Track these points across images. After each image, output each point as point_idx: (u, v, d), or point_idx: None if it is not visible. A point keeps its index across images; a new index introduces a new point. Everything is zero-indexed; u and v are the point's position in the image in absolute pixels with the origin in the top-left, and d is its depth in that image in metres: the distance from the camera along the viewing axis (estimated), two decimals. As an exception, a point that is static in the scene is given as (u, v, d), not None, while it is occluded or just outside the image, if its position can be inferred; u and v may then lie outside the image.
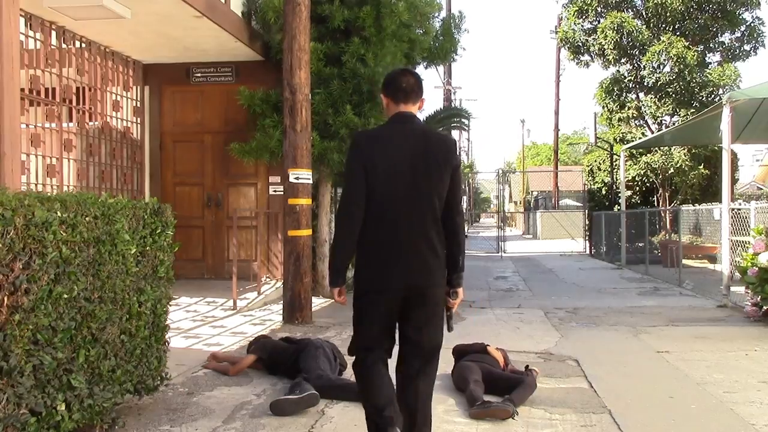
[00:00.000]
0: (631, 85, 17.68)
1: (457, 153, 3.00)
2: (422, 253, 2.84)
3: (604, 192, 19.45)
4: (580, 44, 17.89)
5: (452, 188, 2.90)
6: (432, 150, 2.88)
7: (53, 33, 7.32)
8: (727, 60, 17.18)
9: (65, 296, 2.91)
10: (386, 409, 2.81)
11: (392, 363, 2.99)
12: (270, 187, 9.21)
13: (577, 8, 17.70)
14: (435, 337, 2.93)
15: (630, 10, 17.45)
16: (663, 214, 16.27)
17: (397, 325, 2.94)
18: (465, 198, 66.69)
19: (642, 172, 17.31)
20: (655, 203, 17.48)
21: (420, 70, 15.33)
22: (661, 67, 16.70)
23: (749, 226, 8.13)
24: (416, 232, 2.84)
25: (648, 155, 17.25)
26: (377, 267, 2.86)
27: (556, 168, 35.24)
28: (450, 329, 3.06)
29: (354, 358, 2.98)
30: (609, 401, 4.15)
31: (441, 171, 2.87)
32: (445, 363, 4.78)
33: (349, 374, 4.70)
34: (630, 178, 17.19)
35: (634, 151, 17.22)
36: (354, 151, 2.91)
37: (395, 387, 2.93)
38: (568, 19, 18.30)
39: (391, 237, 2.83)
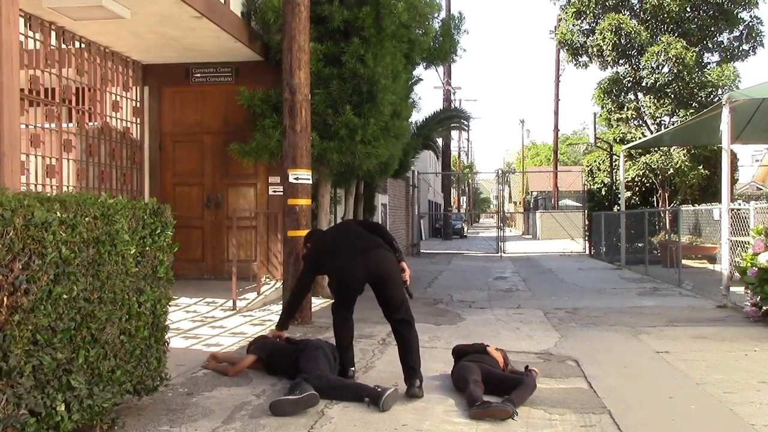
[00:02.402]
0: (629, 85, 17.69)
1: (352, 220, 4.64)
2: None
3: (603, 192, 19.46)
4: (579, 45, 17.89)
5: (363, 224, 4.90)
6: (342, 225, 5.10)
7: (53, 33, 7.32)
8: (726, 60, 17.18)
9: (65, 297, 2.91)
10: (348, 350, 4.63)
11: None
12: (270, 187, 9.21)
13: (574, 10, 17.70)
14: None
15: (627, 11, 17.45)
16: (662, 215, 16.28)
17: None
18: (465, 198, 67.06)
19: (641, 173, 17.32)
20: (655, 203, 17.49)
21: (420, 70, 15.30)
22: (660, 67, 16.71)
23: (749, 227, 8.13)
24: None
25: (647, 155, 17.26)
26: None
27: (556, 168, 35.29)
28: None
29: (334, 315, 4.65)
30: (609, 401, 4.15)
31: (351, 225, 5.08)
32: (445, 363, 4.79)
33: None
34: (629, 178, 17.19)
35: (634, 152, 17.23)
36: (307, 255, 4.89)
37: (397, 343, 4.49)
38: (566, 20, 18.30)
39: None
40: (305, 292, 5.06)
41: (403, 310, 4.41)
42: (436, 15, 10.17)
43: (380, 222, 16.10)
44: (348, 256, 4.40)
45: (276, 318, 7.07)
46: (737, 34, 17.09)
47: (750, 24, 16.93)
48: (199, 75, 9.32)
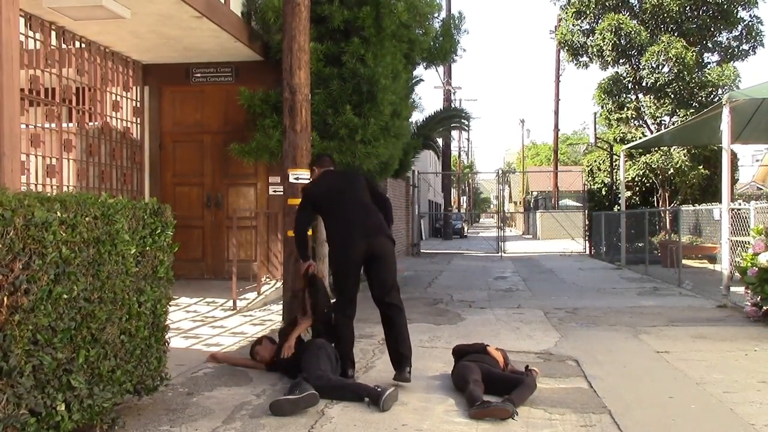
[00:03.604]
0: (629, 85, 17.69)
1: (364, 177, 5.04)
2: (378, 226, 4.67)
3: (603, 192, 19.45)
4: (579, 45, 17.88)
5: (372, 191, 4.86)
6: (352, 178, 4.96)
7: (53, 33, 7.32)
8: (726, 60, 17.16)
9: (65, 296, 2.91)
10: (349, 352, 4.58)
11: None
12: (270, 187, 9.21)
13: (575, 10, 17.70)
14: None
15: (627, 12, 17.44)
16: (663, 215, 16.27)
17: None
18: (465, 198, 67.18)
19: (642, 173, 17.31)
20: (655, 203, 17.48)
21: (420, 70, 15.30)
22: (660, 67, 16.70)
23: (749, 226, 8.13)
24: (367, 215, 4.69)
25: (647, 155, 17.25)
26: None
27: (556, 168, 35.27)
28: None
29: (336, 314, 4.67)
30: (609, 401, 4.16)
31: (361, 185, 4.82)
32: (445, 363, 4.80)
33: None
34: (630, 178, 17.19)
35: (634, 152, 17.22)
36: (307, 192, 4.94)
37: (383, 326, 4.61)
38: (566, 20, 18.30)
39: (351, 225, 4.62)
40: (307, 228, 5.10)
41: (394, 293, 4.54)
42: (436, 15, 10.16)
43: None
44: (354, 234, 4.49)
45: (277, 317, 7.10)
46: (737, 33, 17.06)
47: (750, 24, 16.91)
48: (199, 75, 9.33)
